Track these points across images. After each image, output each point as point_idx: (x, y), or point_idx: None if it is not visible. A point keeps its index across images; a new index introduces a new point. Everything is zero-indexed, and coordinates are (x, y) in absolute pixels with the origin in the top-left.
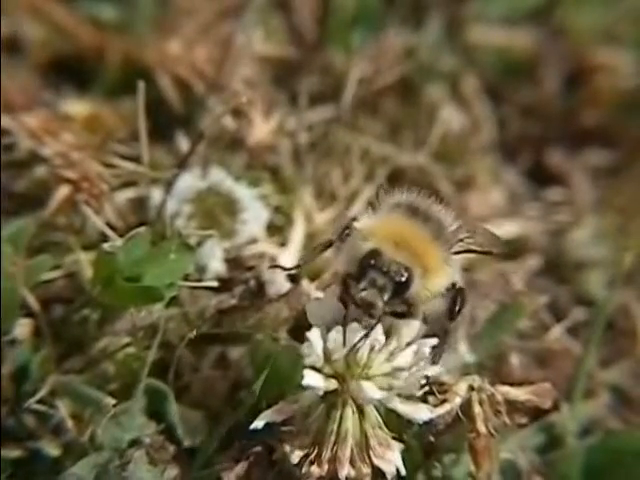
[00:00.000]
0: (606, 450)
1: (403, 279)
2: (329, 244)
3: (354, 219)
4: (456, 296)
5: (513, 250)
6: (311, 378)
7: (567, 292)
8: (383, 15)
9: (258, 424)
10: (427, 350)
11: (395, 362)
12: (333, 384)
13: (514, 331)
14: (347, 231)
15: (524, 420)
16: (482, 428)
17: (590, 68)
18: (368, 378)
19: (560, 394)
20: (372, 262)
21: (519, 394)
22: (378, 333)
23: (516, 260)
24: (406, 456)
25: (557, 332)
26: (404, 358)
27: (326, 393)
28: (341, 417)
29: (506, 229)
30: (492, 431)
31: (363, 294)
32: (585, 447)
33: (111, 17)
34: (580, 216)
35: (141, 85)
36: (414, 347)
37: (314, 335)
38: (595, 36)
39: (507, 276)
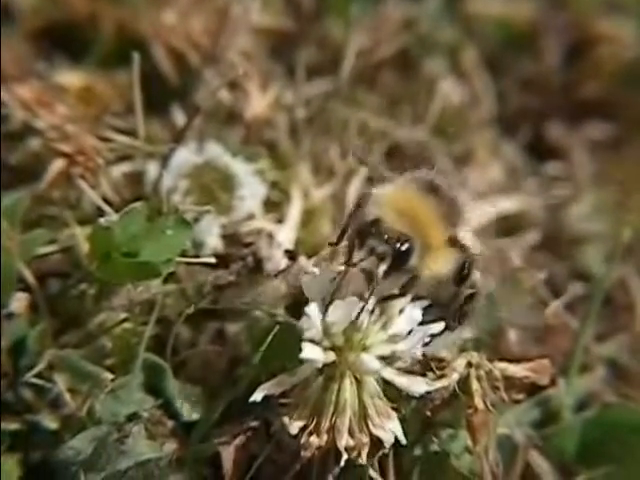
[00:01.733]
0: (602, 424)
1: (402, 248)
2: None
3: (369, 192)
4: (463, 267)
5: (512, 225)
6: (309, 351)
7: (565, 267)
8: None
9: (257, 397)
10: (419, 314)
11: (390, 330)
12: (331, 356)
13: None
14: (362, 202)
15: (521, 396)
16: (480, 404)
17: (591, 39)
18: (366, 349)
19: (557, 369)
20: (372, 230)
21: (517, 370)
22: (373, 304)
23: (515, 235)
24: (404, 430)
25: (555, 307)
26: (398, 325)
27: (324, 365)
28: (339, 388)
29: (505, 204)
30: (489, 407)
31: (362, 263)
32: (581, 421)
33: None
34: (579, 191)
35: (136, 57)
36: (407, 312)
37: (312, 309)
38: (597, 6)
39: (505, 252)
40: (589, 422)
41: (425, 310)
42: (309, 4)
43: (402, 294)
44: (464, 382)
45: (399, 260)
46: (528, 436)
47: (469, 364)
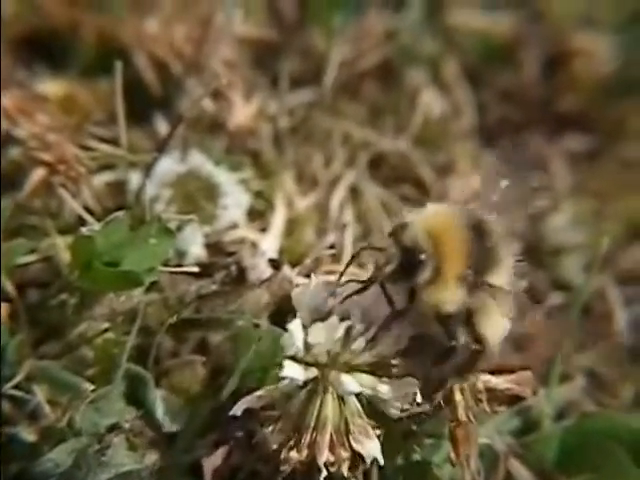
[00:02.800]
0: (581, 432)
1: (414, 258)
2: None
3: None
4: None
5: None
6: (290, 369)
7: (545, 277)
8: None
9: (237, 411)
10: (405, 338)
11: (374, 350)
12: (313, 372)
13: None
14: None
15: (503, 408)
16: (463, 416)
17: (569, 53)
18: (348, 369)
19: (537, 378)
20: (396, 234)
21: (499, 382)
22: (357, 323)
23: None
24: (386, 440)
25: (535, 316)
26: (382, 347)
27: (307, 380)
28: (321, 404)
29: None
30: (472, 419)
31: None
32: (561, 429)
33: None
34: (558, 201)
35: (118, 65)
36: (393, 334)
37: (295, 326)
38: (573, 21)
39: None
40: (568, 431)
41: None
42: (292, 14)
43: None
44: (447, 394)
45: (407, 268)
46: (509, 445)
47: None
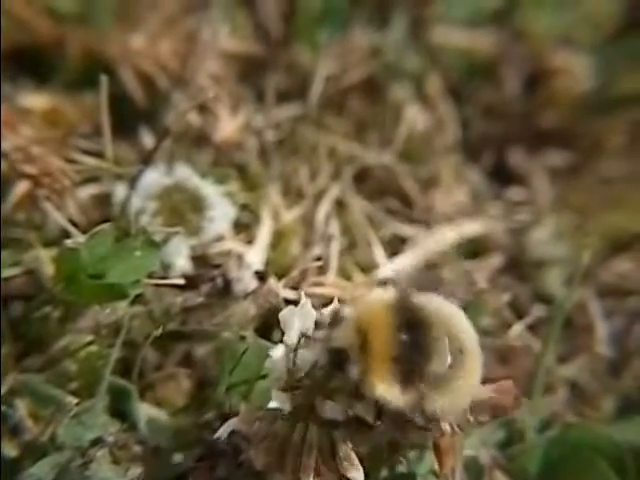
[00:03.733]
0: (563, 444)
1: (341, 359)
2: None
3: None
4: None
5: (476, 248)
6: (278, 400)
7: (528, 290)
8: (349, 14)
9: (223, 433)
10: None
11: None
12: (298, 398)
13: (477, 328)
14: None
15: (486, 417)
16: (447, 427)
17: (548, 70)
18: (332, 395)
19: (520, 390)
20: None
21: (482, 392)
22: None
23: (479, 258)
24: (371, 452)
25: (518, 329)
26: None
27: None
28: (307, 427)
29: (470, 227)
30: (456, 429)
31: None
32: (544, 441)
33: (70, 9)
34: (540, 215)
35: (104, 79)
36: None
37: (278, 352)
38: (553, 40)
39: (471, 274)
40: (551, 442)
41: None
42: (278, 30)
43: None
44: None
45: (335, 369)
46: (493, 457)
47: None
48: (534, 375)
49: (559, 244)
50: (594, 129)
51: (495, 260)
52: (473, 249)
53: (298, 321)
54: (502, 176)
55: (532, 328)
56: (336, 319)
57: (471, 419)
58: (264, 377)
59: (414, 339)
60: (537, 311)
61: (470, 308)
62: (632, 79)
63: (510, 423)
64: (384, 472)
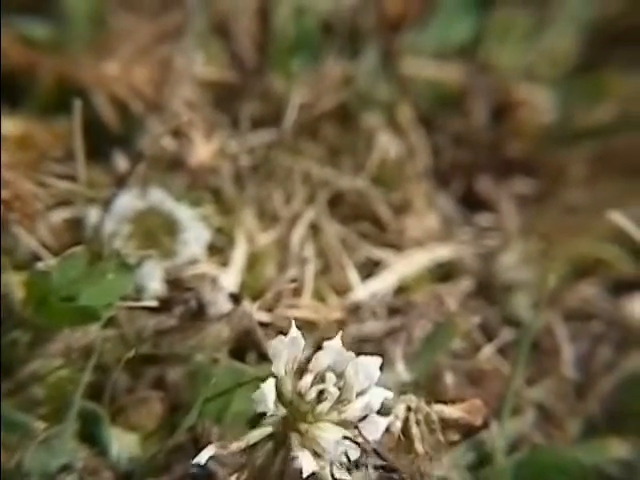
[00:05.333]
0: (532, 465)
1: None
2: None
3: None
4: None
5: (447, 272)
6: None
7: (496, 313)
8: (322, 44)
9: (201, 459)
10: (377, 404)
11: (344, 414)
12: (282, 425)
13: (448, 350)
14: None
15: (457, 437)
16: (419, 448)
17: (513, 102)
18: (318, 427)
19: (490, 412)
20: None
21: (452, 411)
22: (330, 384)
23: (450, 282)
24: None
25: (488, 352)
26: (353, 411)
27: (275, 433)
28: (287, 457)
29: (440, 252)
30: (429, 450)
31: None
32: (513, 463)
33: (43, 37)
34: (507, 241)
35: (77, 103)
36: (364, 400)
37: (268, 387)
38: (517, 73)
39: (442, 297)
40: (520, 464)
41: None
42: (252, 59)
43: None
44: (404, 426)
45: None
46: (464, 478)
47: (408, 408)
48: (503, 397)
49: (526, 269)
50: (557, 159)
51: (465, 284)
52: (444, 273)
53: (287, 352)
54: (471, 202)
55: (501, 351)
56: None
57: (442, 439)
58: (238, 401)
59: None
60: (506, 334)
61: (441, 331)
62: (590, 113)
63: (480, 445)
64: None
